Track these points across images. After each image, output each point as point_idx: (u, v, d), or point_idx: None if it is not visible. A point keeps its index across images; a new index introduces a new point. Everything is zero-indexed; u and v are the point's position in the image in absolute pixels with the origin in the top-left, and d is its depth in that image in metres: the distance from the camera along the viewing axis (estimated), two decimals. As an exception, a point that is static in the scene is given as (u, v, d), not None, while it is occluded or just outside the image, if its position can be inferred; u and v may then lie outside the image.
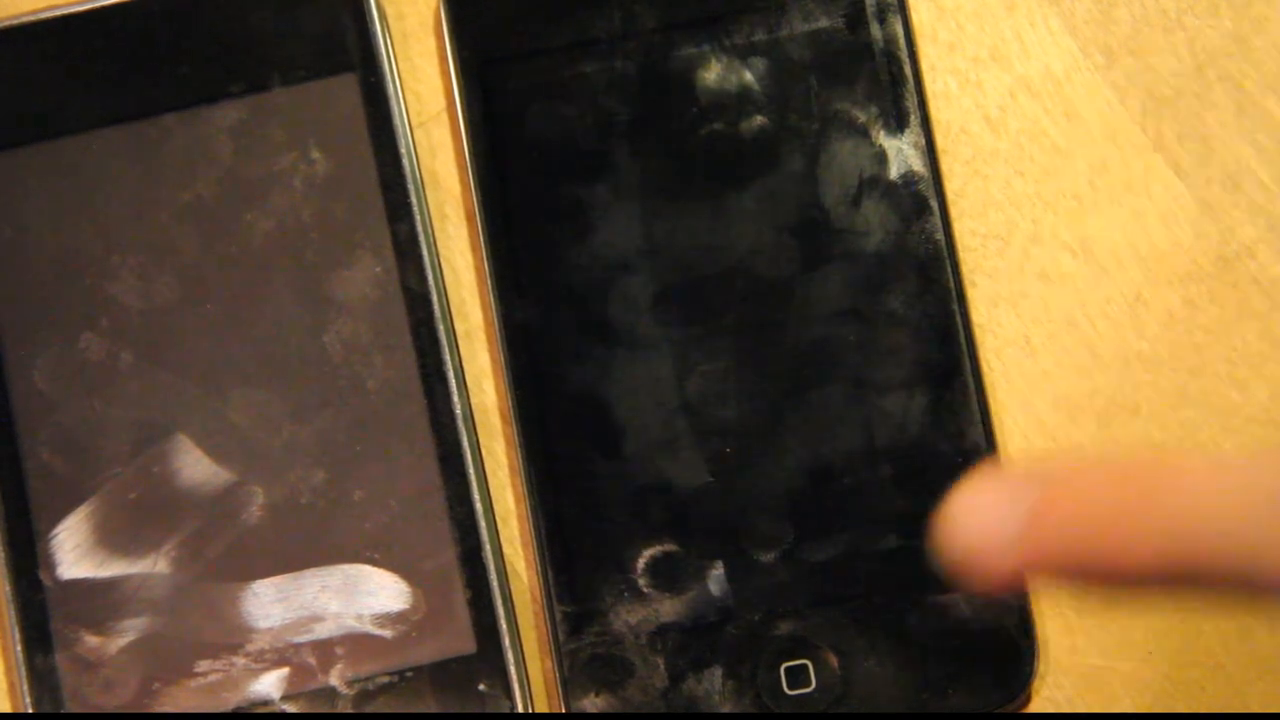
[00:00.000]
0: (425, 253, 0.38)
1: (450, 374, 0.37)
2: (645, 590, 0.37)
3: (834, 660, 0.37)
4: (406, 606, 0.37)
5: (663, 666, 0.37)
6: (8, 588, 0.37)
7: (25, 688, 0.37)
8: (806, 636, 0.37)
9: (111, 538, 0.37)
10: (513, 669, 0.37)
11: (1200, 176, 0.39)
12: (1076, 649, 0.38)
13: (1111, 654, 0.38)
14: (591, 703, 0.37)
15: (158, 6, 0.38)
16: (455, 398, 0.37)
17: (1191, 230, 0.39)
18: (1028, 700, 0.37)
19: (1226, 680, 0.38)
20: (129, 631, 0.37)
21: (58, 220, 0.38)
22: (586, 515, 0.38)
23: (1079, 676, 0.38)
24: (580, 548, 0.38)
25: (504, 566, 0.37)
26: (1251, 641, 0.38)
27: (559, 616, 0.37)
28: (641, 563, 0.38)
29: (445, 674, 0.37)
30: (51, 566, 0.37)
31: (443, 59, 0.39)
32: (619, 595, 0.37)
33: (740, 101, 0.38)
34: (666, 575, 0.37)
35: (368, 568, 0.37)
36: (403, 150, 0.38)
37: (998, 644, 0.37)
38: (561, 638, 0.37)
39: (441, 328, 0.38)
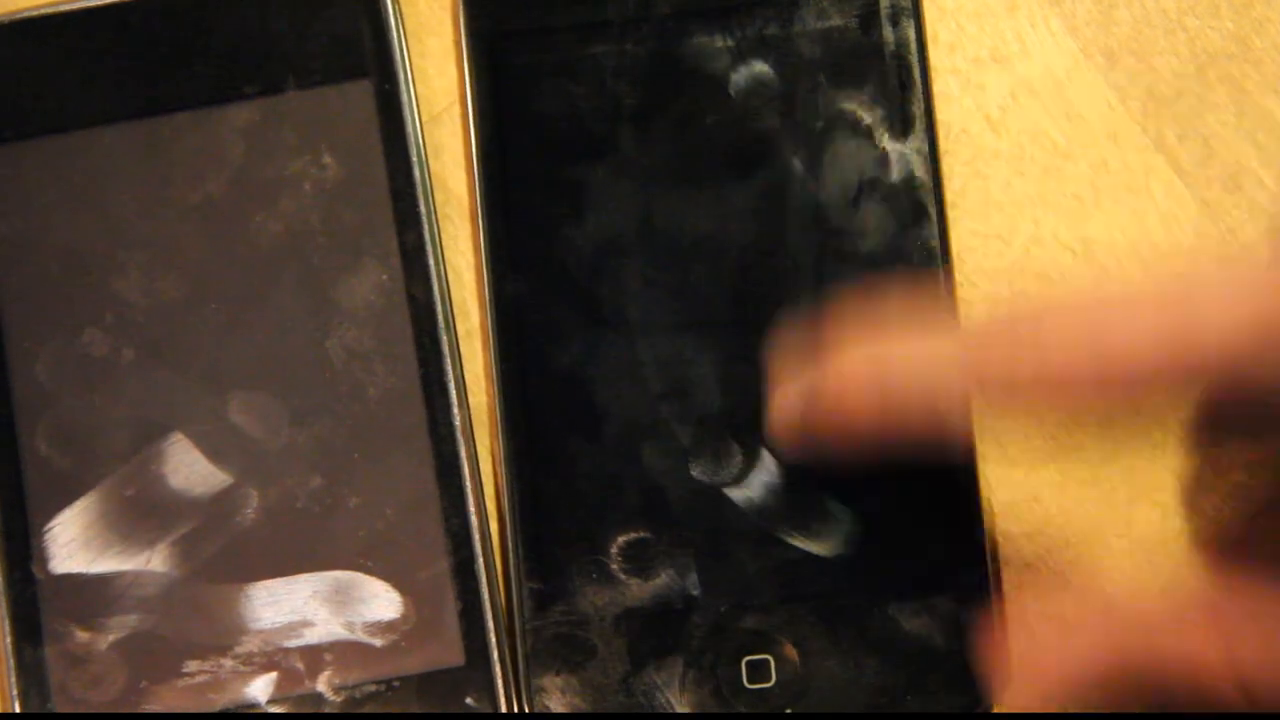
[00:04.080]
0: (432, 262, 0.38)
1: (451, 385, 0.37)
2: (614, 574, 0.38)
3: (795, 657, 0.37)
4: (397, 616, 0.37)
5: (625, 651, 0.37)
6: (0, 580, 0.37)
7: (13, 680, 0.37)
8: (770, 631, 0.37)
9: (106, 534, 0.37)
10: (500, 683, 0.37)
11: (1201, 177, 0.39)
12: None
13: (1112, 653, 0.38)
14: (552, 681, 0.37)
15: (176, 4, 0.38)
16: (455, 409, 0.37)
17: (1192, 230, 0.39)
18: (990, 706, 0.37)
19: None
20: (119, 628, 0.37)
21: (66, 214, 0.38)
22: (561, 495, 0.38)
23: (1078, 676, 0.38)
24: (553, 527, 0.38)
25: (496, 580, 0.37)
26: (1253, 642, 0.38)
27: (526, 592, 0.37)
28: (613, 547, 0.38)
29: (432, 685, 0.37)
30: (45, 560, 0.37)
31: (456, 46, 0.39)
32: (588, 577, 0.38)
33: (750, 95, 0.38)
34: (636, 561, 0.38)
35: (360, 575, 0.37)
36: (414, 159, 0.38)
37: (961, 651, 0.37)
38: (527, 614, 0.37)
39: (445, 338, 0.38)
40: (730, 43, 0.38)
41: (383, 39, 0.38)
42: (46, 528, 0.37)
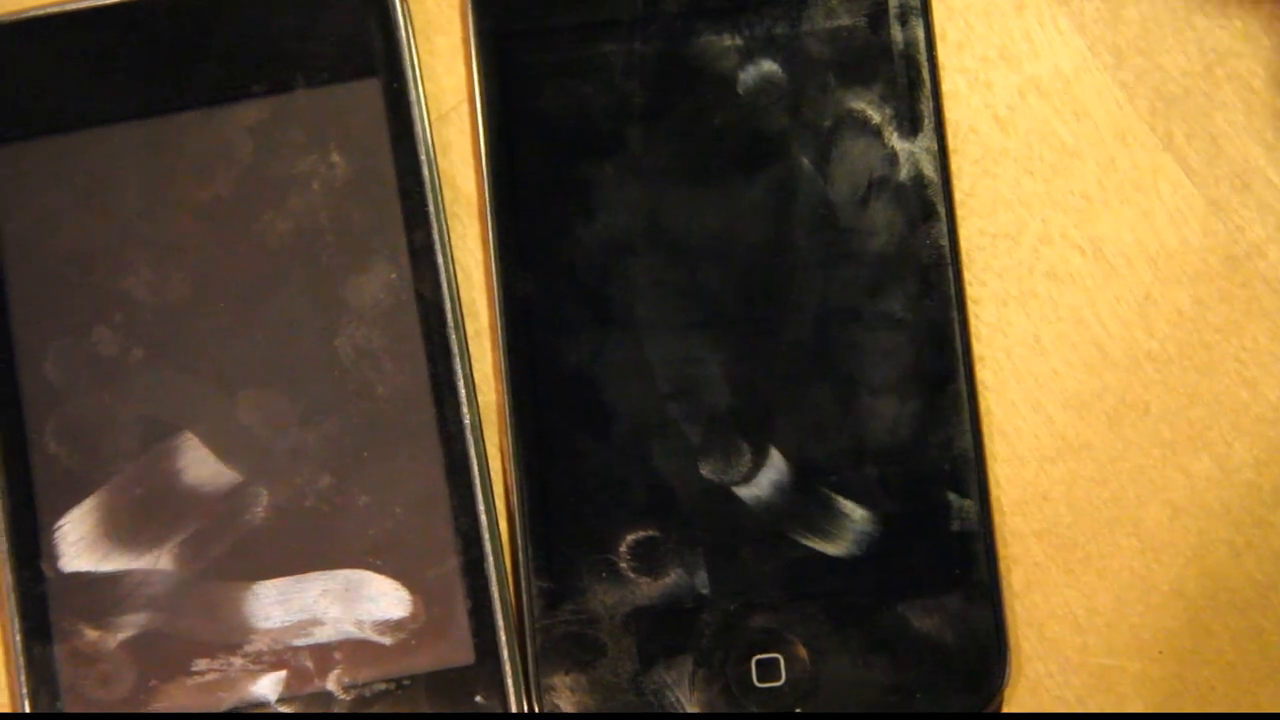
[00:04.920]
0: (440, 260, 0.38)
1: (460, 383, 0.37)
2: (624, 573, 0.38)
3: (805, 655, 0.37)
4: (406, 614, 0.37)
5: (635, 650, 0.37)
6: (9, 578, 0.37)
7: (23, 678, 0.37)
8: (779, 630, 0.37)
9: (115, 532, 0.37)
10: (510, 681, 0.37)
11: (1209, 176, 0.39)
12: (1087, 648, 0.38)
13: (1121, 653, 0.38)
14: (562, 680, 0.37)
15: (184, 3, 0.38)
16: (464, 408, 0.37)
17: (1201, 229, 0.39)
18: (999, 705, 0.38)
19: (1236, 680, 0.38)
20: (128, 627, 0.37)
21: (75, 213, 0.38)
22: (571, 494, 0.38)
23: (1089, 675, 0.38)
24: (562, 525, 0.38)
25: (506, 578, 0.37)
26: (1262, 641, 0.38)
27: (535, 591, 0.37)
28: (622, 545, 0.38)
29: (442, 683, 0.37)
30: (54, 558, 0.37)
31: (465, 44, 0.39)
32: (597, 575, 0.38)
33: (758, 94, 0.38)
34: (646, 559, 0.38)
35: (369, 573, 0.37)
36: (423, 157, 0.38)
37: (970, 650, 0.37)
38: (536, 612, 0.37)
39: (454, 336, 0.38)
40: (739, 41, 0.38)
41: (391, 37, 0.38)
42: (56, 526, 0.37)
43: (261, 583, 0.37)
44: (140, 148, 0.38)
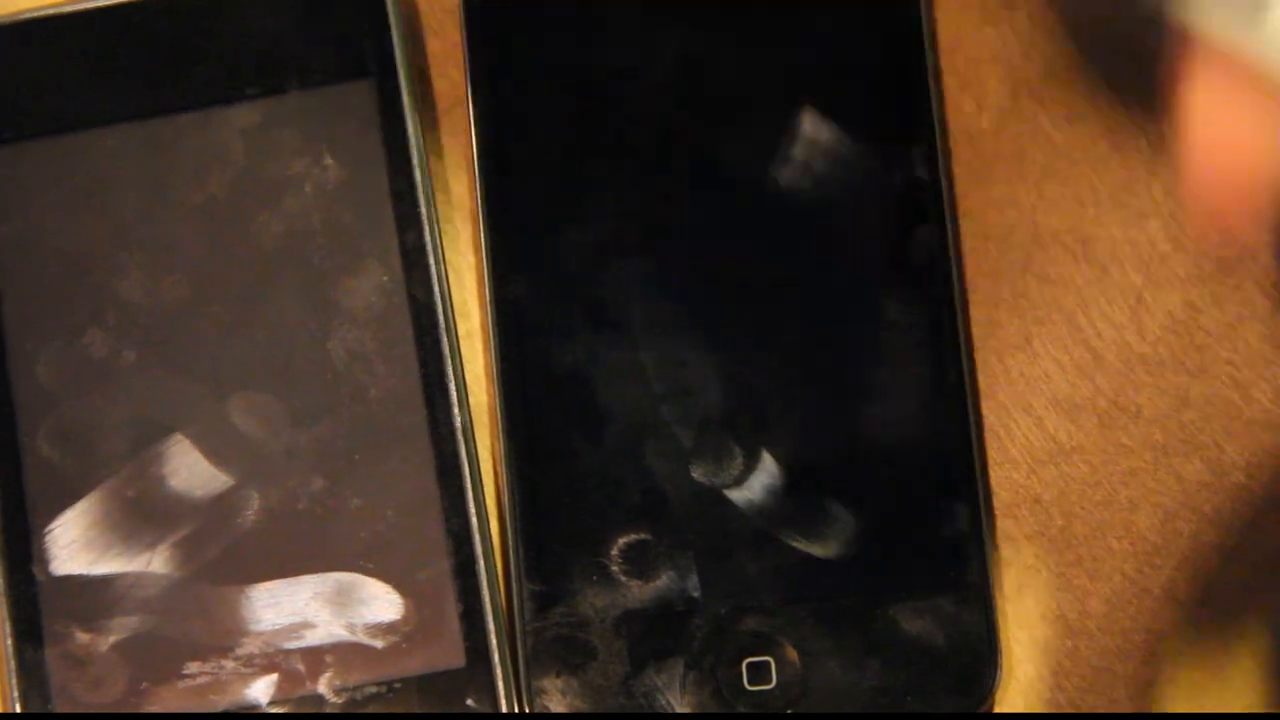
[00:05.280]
0: (432, 263, 0.38)
1: (452, 386, 0.37)
2: (615, 575, 0.38)
3: (796, 658, 0.37)
4: (398, 617, 0.37)
5: (626, 653, 0.37)
6: (0, 581, 0.37)
7: (14, 681, 0.37)
8: (770, 633, 0.37)
9: (107, 535, 0.37)
10: (501, 684, 0.37)
11: (1203, 177, 0.39)
12: (1078, 650, 0.38)
13: (1113, 655, 0.38)
14: (552, 683, 0.37)
15: (177, 5, 0.38)
16: (456, 410, 0.37)
17: (1194, 231, 0.39)
18: (991, 707, 0.37)
19: (1228, 682, 0.38)
20: (120, 630, 0.37)
21: (68, 215, 0.38)
22: (562, 496, 0.38)
23: (1080, 678, 0.38)
24: (553, 528, 0.38)
25: (497, 581, 0.37)
26: (1254, 643, 0.38)
27: (526, 594, 0.37)
28: (613, 548, 0.38)
29: (433, 686, 0.37)
30: (46, 561, 0.37)
31: (458, 47, 0.39)
32: (588, 578, 0.38)
33: (751, 100, 0.39)
34: (637, 562, 0.38)
35: (361, 576, 0.37)
36: (415, 160, 0.38)
37: (961, 652, 0.37)
38: (527, 615, 0.37)
39: (445, 339, 0.38)
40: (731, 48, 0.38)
41: (384, 40, 0.38)
42: (47, 529, 0.37)
43: (253, 586, 0.37)
44: (132, 150, 0.38)
